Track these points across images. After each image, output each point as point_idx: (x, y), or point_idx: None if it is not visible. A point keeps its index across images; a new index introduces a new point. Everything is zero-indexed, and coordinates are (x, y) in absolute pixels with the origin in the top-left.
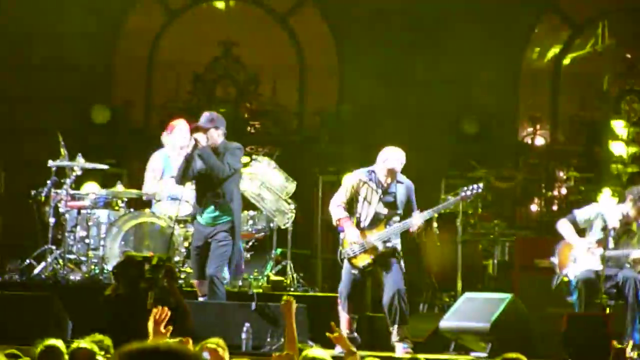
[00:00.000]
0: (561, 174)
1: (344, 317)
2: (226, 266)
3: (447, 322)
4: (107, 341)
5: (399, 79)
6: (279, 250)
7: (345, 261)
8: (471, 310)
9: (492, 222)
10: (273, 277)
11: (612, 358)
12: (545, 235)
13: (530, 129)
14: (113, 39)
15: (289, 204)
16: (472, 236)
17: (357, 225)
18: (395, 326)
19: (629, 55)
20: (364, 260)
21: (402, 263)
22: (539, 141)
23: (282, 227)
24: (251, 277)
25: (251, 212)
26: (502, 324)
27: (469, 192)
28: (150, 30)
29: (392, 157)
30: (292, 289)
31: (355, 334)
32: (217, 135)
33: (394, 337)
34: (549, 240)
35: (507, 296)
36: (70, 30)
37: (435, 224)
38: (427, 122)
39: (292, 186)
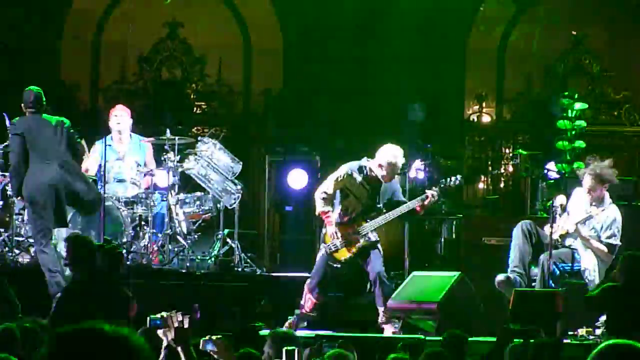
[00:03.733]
0: (508, 151)
1: (311, 301)
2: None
3: (395, 301)
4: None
5: (344, 59)
6: (226, 231)
7: (325, 253)
8: (419, 289)
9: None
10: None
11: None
12: (492, 213)
13: (476, 107)
14: (59, 20)
15: (235, 184)
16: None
17: (342, 217)
18: (382, 308)
19: (574, 32)
20: (344, 254)
21: (380, 250)
22: (486, 119)
23: (229, 207)
24: (199, 257)
25: (198, 193)
26: (450, 302)
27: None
28: (96, 11)
29: (396, 155)
30: (239, 269)
31: (315, 314)
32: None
33: (381, 319)
34: (496, 218)
35: (454, 274)
36: (16, 11)
37: None
38: (373, 101)
39: (238, 167)
